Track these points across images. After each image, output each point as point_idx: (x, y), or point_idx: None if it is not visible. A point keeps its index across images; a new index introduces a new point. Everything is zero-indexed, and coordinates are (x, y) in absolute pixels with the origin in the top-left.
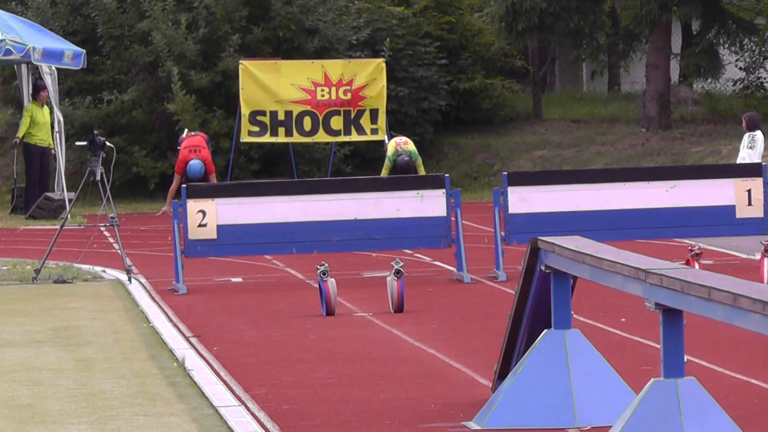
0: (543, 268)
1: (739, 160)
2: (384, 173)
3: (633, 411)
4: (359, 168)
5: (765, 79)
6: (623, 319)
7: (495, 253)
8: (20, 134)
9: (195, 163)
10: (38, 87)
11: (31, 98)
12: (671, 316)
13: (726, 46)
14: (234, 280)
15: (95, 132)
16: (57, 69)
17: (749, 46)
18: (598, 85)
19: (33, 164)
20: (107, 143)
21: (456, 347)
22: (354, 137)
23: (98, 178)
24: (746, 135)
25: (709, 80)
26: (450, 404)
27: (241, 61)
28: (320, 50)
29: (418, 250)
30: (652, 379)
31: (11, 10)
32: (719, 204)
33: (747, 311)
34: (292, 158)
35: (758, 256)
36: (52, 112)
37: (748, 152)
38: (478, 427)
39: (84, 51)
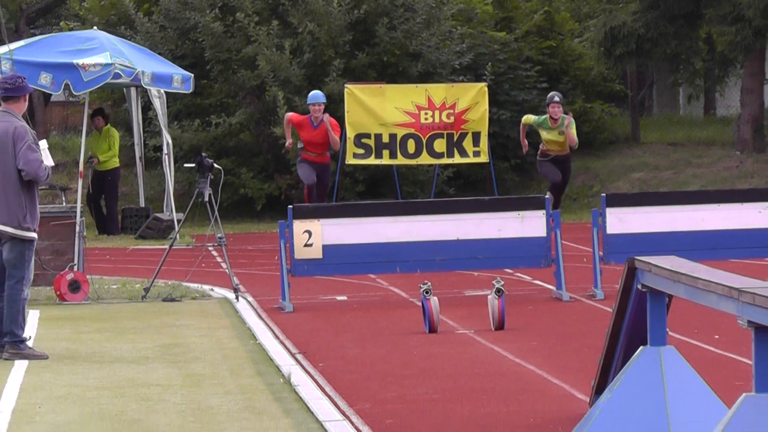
0: (640, 287)
1: None
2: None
3: (725, 426)
4: (462, 190)
5: None
6: (717, 336)
7: (593, 273)
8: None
9: None
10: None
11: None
12: (763, 333)
13: None
14: (339, 298)
15: (203, 154)
16: (166, 92)
17: None
18: (695, 108)
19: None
20: (215, 165)
21: (555, 363)
22: (457, 159)
23: (206, 199)
24: None
25: None
26: (549, 419)
27: (346, 85)
28: (424, 74)
29: (519, 270)
30: (744, 394)
31: (120, 34)
32: None
33: None
34: (396, 180)
35: None
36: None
37: None
38: None
39: (192, 75)
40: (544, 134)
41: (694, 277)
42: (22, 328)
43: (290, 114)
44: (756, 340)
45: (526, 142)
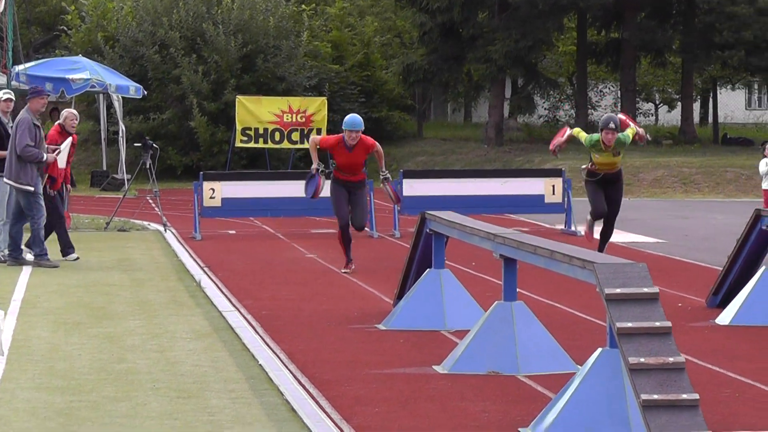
0: (428, 231)
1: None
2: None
3: (484, 320)
4: (308, 164)
5: (561, 116)
6: (473, 263)
7: (393, 220)
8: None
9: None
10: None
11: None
12: (509, 262)
13: (538, 94)
14: (230, 232)
15: (146, 137)
16: (123, 97)
17: (552, 95)
18: (458, 117)
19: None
20: (154, 144)
21: (370, 278)
22: (305, 145)
23: (147, 166)
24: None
25: (527, 115)
26: (367, 313)
27: (237, 97)
28: (286, 91)
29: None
30: (496, 302)
31: (95, 59)
32: (534, 193)
33: (559, 261)
34: (267, 157)
35: (557, 227)
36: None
37: None
38: (384, 328)
39: (141, 87)
40: (596, 156)
41: (464, 225)
42: (40, 246)
43: (318, 138)
44: (505, 266)
45: (559, 146)
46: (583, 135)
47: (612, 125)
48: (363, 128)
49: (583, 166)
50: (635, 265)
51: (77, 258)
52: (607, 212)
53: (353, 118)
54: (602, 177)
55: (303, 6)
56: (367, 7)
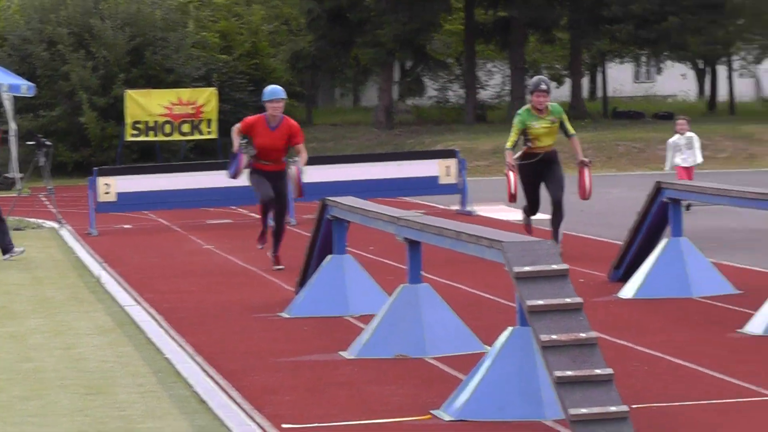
0: (329, 217)
1: (682, 159)
2: None
3: (390, 304)
4: (200, 156)
5: (450, 96)
6: (371, 248)
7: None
8: None
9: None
10: None
11: None
12: (413, 244)
13: (427, 76)
14: (126, 226)
15: (39, 135)
16: (14, 96)
17: (441, 76)
18: (347, 101)
19: None
20: (47, 142)
21: (269, 266)
22: (196, 136)
23: (41, 164)
24: (681, 136)
25: (416, 98)
26: (269, 302)
27: (126, 91)
28: (176, 82)
29: (244, 207)
30: (401, 285)
31: None
32: (429, 175)
33: (465, 242)
34: (158, 150)
35: (453, 207)
36: None
37: (688, 152)
38: (288, 316)
39: (34, 85)
40: (535, 128)
41: (366, 210)
42: None
43: (238, 124)
44: (409, 249)
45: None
46: (515, 129)
47: (543, 86)
48: (285, 98)
49: (516, 156)
50: (543, 242)
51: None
52: (551, 195)
53: (273, 87)
54: (540, 158)
55: None
56: None
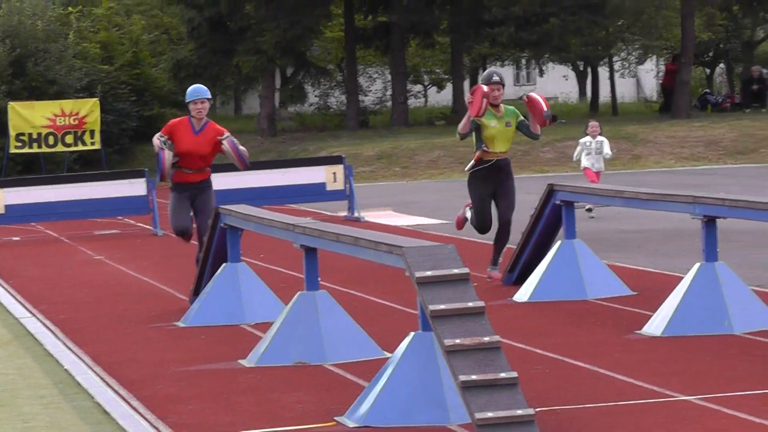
0: (222, 225)
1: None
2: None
3: (288, 311)
4: (84, 167)
5: (332, 103)
6: (261, 255)
7: None
8: None
9: None
10: None
11: None
12: (310, 251)
13: (309, 83)
14: (15, 238)
15: None
16: None
17: (322, 83)
18: (228, 109)
19: None
20: None
21: (162, 276)
22: (80, 147)
23: None
24: (592, 140)
25: (298, 105)
26: (164, 311)
27: (9, 103)
28: (58, 93)
29: (127, 216)
30: (299, 292)
31: None
32: (316, 182)
33: (364, 248)
34: (42, 162)
35: (341, 213)
36: None
37: (597, 158)
38: (184, 325)
39: None
40: (490, 128)
41: (261, 218)
42: None
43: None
44: (306, 256)
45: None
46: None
47: (496, 78)
48: (209, 97)
49: (468, 165)
50: (444, 246)
51: None
52: (500, 213)
53: (196, 86)
54: (493, 164)
55: (69, 8)
56: (134, 6)
